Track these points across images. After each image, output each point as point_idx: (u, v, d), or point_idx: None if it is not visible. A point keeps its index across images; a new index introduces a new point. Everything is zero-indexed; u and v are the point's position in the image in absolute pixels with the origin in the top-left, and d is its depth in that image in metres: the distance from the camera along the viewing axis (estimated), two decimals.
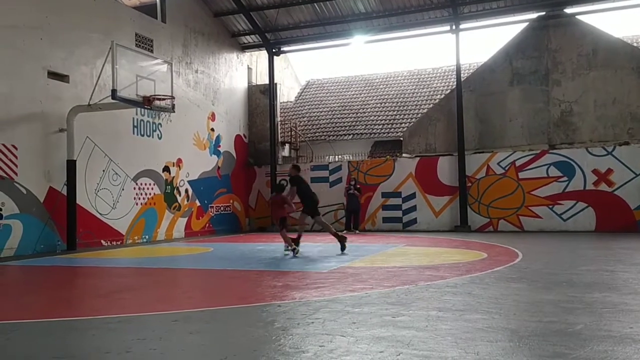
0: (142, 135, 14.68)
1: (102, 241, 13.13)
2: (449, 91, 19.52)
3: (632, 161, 15.15)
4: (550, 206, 15.92)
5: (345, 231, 17.08)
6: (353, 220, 17.19)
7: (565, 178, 15.82)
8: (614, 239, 12.61)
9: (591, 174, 15.57)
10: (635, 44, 18.49)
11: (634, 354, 3.32)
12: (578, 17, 16.40)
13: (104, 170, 13.29)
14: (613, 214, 15.20)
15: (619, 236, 13.35)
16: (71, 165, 11.99)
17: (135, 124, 14.43)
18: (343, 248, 10.14)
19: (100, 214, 13.13)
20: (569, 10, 16.41)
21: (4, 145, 10.88)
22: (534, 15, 16.80)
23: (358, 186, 17.42)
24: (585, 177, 15.62)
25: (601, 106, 15.86)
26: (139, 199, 14.45)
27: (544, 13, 16.57)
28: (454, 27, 17.19)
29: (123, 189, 13.87)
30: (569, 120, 16.19)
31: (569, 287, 5.85)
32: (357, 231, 16.99)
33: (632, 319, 4.29)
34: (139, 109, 13.55)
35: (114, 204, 13.54)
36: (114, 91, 11.07)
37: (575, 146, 16.00)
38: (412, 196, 17.57)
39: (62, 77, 12.31)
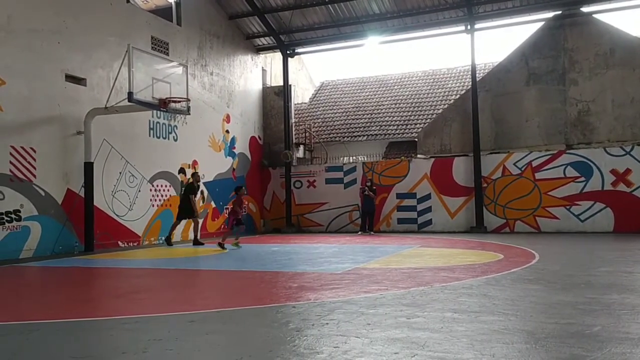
0: (158, 138, 14.82)
1: (119, 242, 13.28)
2: (464, 91, 19.41)
3: None
4: (568, 207, 15.75)
5: (360, 232, 17.08)
6: (368, 221, 17.16)
7: (582, 178, 15.64)
8: (633, 240, 12.42)
9: (609, 174, 15.37)
10: None
11: None
12: (595, 15, 16.22)
13: (120, 172, 13.43)
14: (632, 215, 14.98)
15: (637, 237, 13.15)
16: (89, 168, 12.15)
17: (152, 126, 14.57)
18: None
19: (117, 215, 13.27)
20: (585, 9, 16.24)
21: (22, 147, 11.05)
22: (549, 14, 16.64)
23: (374, 187, 17.39)
24: (603, 178, 15.42)
25: (619, 106, 15.66)
26: (155, 200, 14.58)
27: (560, 12, 16.41)
28: (469, 27, 17.09)
29: (139, 191, 14.01)
30: (587, 120, 16.01)
31: (586, 289, 5.79)
32: (372, 232, 16.95)
33: None
34: (155, 111, 13.68)
35: (130, 206, 13.68)
36: (130, 94, 11.19)
37: (592, 146, 15.81)
38: (427, 197, 17.50)
39: (79, 80, 12.48)
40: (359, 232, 17.17)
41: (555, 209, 15.87)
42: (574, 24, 16.25)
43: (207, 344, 3.86)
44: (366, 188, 17.19)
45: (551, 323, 4.21)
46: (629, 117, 15.57)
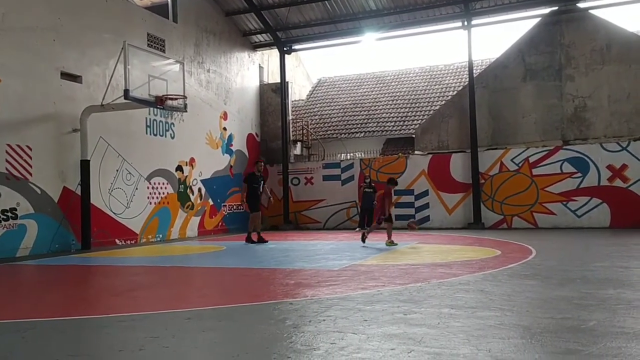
0: (155, 135, 14.79)
1: (117, 240, 13.27)
2: (461, 88, 19.41)
3: None
4: (564, 202, 15.78)
5: (358, 229, 17.05)
6: (367, 218, 17.13)
7: (579, 174, 15.67)
8: (629, 235, 12.46)
9: (605, 169, 15.40)
10: None
11: None
12: (591, 11, 16.22)
13: (117, 170, 13.41)
14: (628, 210, 15.03)
15: (633, 232, 13.19)
16: (85, 165, 12.12)
17: (148, 124, 14.54)
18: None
19: (114, 213, 13.25)
20: (582, 5, 16.23)
21: (18, 146, 11.02)
22: (546, 10, 16.64)
23: (372, 184, 17.34)
24: (600, 173, 15.46)
25: (615, 101, 15.68)
26: (153, 198, 14.56)
27: (556, 8, 16.40)
28: (465, 23, 17.08)
29: (137, 189, 13.99)
30: (583, 115, 16.03)
31: (582, 284, 5.81)
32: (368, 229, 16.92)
33: None
34: (151, 108, 13.66)
35: (127, 204, 13.67)
36: (126, 91, 11.16)
37: (589, 142, 15.84)
38: (425, 193, 17.51)
39: (75, 78, 12.44)
40: (357, 229, 17.16)
41: (552, 205, 15.90)
42: (571, 19, 16.25)
43: (204, 341, 3.86)
44: (366, 184, 17.15)
45: (547, 318, 4.23)
46: (625, 112, 15.59)
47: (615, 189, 15.29)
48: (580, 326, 3.94)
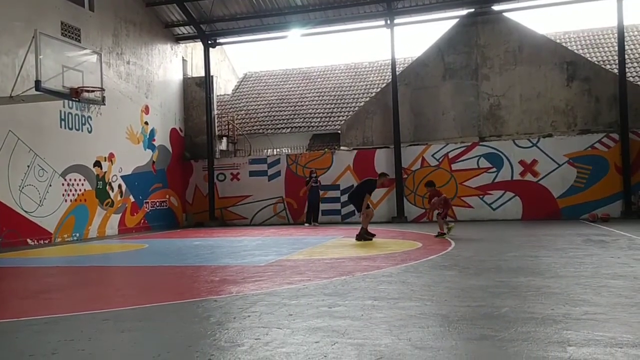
0: (71, 129, 14.04)
1: (28, 240, 12.49)
2: (384, 85, 19.83)
3: (555, 152, 16.03)
4: (481, 196, 16.57)
5: (307, 224, 16.92)
6: (313, 213, 17.03)
7: (494, 169, 16.51)
8: (539, 226, 13.30)
9: (518, 164, 16.33)
10: (558, 41, 19.47)
11: (554, 334, 3.53)
12: (505, 14, 17.08)
13: (28, 166, 12.62)
14: (538, 203, 16.03)
15: (543, 223, 14.10)
16: None
17: (63, 117, 13.78)
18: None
19: (25, 211, 12.46)
20: (496, 8, 17.06)
21: None
22: (463, 11, 17.35)
23: (318, 178, 17.20)
24: (513, 168, 16.37)
25: (526, 100, 16.65)
26: (68, 195, 13.83)
27: (473, 10, 17.15)
28: (388, 21, 17.49)
29: (50, 185, 13.23)
30: (497, 113, 16.89)
31: (496, 273, 6.13)
32: (317, 224, 16.83)
33: (553, 301, 4.55)
34: (66, 101, 12.95)
35: (40, 201, 12.90)
36: (37, 82, 10.47)
37: (503, 138, 16.72)
38: (351, 188, 17.71)
39: None
40: (306, 224, 17.05)
41: (470, 198, 16.65)
42: (486, 21, 17.05)
43: (122, 342, 3.72)
44: (312, 178, 16.93)
45: (464, 306, 4.43)
46: (535, 111, 16.60)
47: (527, 183, 16.25)
48: (494, 313, 4.15)
